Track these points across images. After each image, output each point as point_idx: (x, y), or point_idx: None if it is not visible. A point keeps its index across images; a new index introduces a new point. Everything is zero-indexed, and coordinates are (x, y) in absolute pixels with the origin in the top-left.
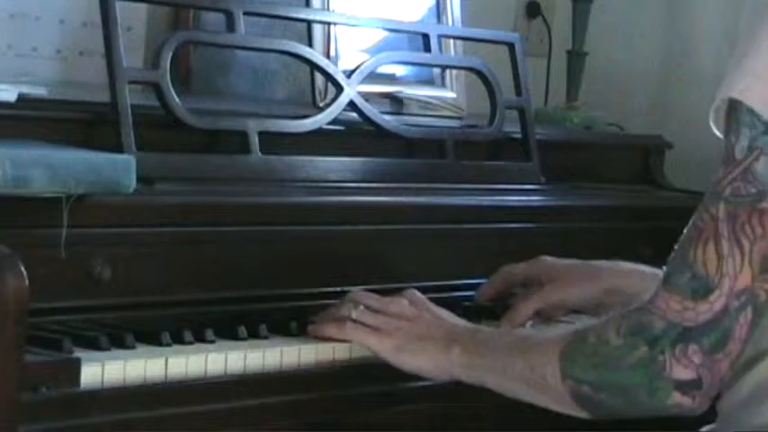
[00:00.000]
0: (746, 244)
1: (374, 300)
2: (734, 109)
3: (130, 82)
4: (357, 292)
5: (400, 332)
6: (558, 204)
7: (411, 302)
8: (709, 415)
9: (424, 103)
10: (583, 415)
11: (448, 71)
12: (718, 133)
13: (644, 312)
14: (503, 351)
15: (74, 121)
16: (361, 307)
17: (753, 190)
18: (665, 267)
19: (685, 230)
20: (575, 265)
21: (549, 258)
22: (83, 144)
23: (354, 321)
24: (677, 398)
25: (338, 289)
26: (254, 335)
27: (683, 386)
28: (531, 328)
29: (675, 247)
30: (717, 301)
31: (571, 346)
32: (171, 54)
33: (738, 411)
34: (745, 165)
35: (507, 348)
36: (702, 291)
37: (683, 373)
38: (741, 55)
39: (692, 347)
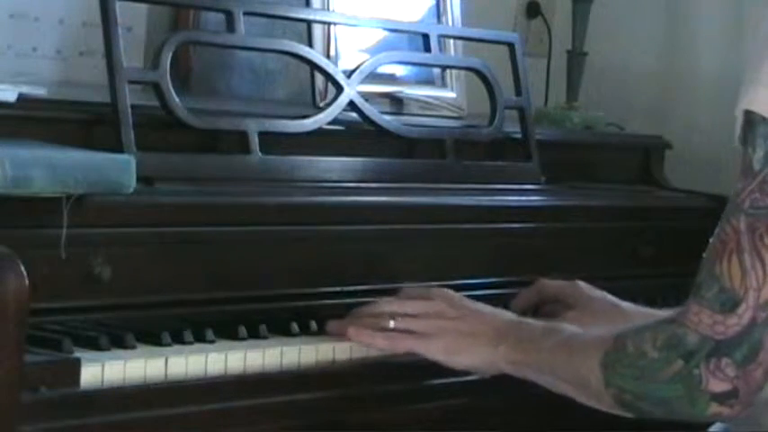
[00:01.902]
0: (767, 256)
1: (411, 306)
2: (749, 120)
3: (130, 82)
4: (387, 300)
5: (447, 333)
6: (558, 204)
7: (446, 301)
8: None
9: (424, 103)
10: (628, 416)
11: (448, 71)
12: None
13: (678, 326)
14: (548, 352)
15: (74, 121)
16: (399, 318)
17: None
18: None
19: (711, 241)
20: (602, 301)
21: (583, 285)
22: (83, 144)
23: (398, 330)
24: (716, 408)
25: (338, 289)
26: (254, 335)
27: (720, 398)
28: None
29: (703, 256)
30: (744, 314)
31: (611, 355)
32: (171, 54)
33: (756, 413)
34: (762, 176)
35: (552, 350)
36: (730, 304)
37: (718, 385)
38: (751, 69)
39: (725, 361)
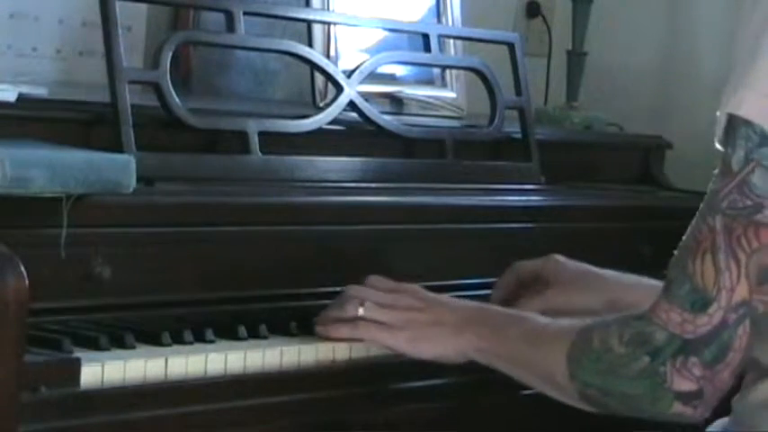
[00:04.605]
0: (743, 257)
1: (379, 295)
2: (731, 122)
3: (130, 82)
4: (356, 287)
5: (413, 324)
6: (558, 204)
7: (412, 294)
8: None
9: (424, 103)
10: (591, 410)
11: (448, 71)
12: (721, 149)
13: (646, 322)
14: (514, 341)
15: (74, 121)
16: (368, 303)
17: (749, 202)
18: (666, 275)
19: (684, 239)
20: (582, 272)
21: (560, 258)
22: (83, 144)
23: (364, 320)
24: (678, 408)
25: (338, 289)
26: (254, 335)
27: (683, 397)
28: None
29: (675, 253)
30: (715, 315)
31: (577, 348)
32: (171, 54)
33: (754, 414)
34: (741, 177)
35: (518, 339)
36: (701, 303)
37: (683, 384)
38: (737, 72)
39: (692, 360)
